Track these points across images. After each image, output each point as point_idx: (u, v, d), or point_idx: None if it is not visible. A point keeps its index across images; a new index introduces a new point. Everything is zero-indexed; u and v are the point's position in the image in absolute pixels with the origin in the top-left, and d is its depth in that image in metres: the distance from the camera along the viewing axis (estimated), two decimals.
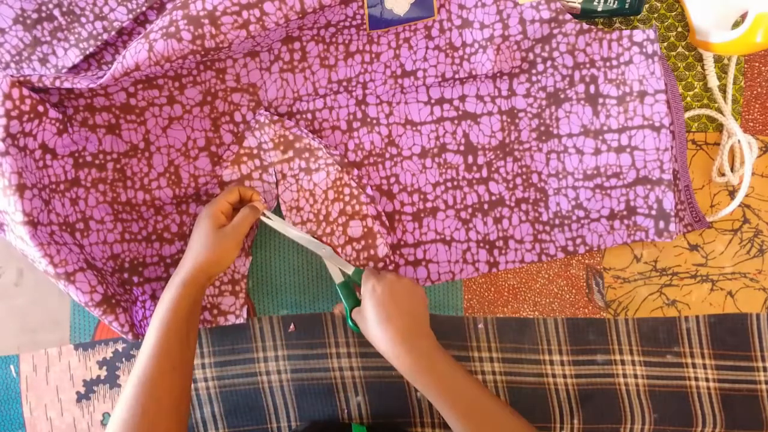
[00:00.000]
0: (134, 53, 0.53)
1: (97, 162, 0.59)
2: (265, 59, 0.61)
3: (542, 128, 0.63)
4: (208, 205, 0.57)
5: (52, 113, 0.53)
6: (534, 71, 0.62)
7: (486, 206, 0.63)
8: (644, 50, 0.60)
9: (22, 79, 0.51)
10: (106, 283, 0.56)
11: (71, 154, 0.57)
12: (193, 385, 0.64)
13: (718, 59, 0.63)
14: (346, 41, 0.62)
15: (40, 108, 0.52)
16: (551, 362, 0.64)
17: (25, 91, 0.51)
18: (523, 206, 0.63)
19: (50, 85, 0.52)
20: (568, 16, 0.58)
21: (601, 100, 0.62)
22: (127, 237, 0.60)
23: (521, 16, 0.58)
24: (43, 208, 0.53)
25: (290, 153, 0.60)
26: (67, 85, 0.52)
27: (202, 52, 0.54)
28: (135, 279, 0.60)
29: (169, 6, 0.58)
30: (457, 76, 0.60)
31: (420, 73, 0.60)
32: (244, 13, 0.53)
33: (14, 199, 0.51)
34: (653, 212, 0.61)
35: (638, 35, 0.60)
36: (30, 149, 0.52)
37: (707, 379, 0.64)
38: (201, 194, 0.63)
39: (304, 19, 0.57)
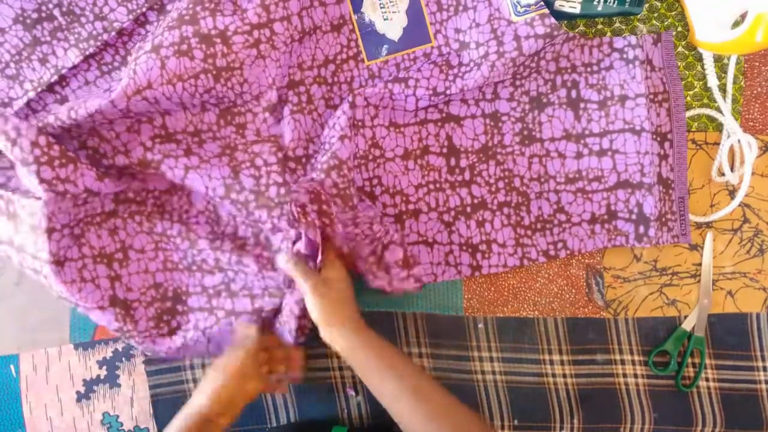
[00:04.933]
0: (146, 69, 0.53)
1: (138, 198, 0.60)
2: (281, 110, 0.60)
3: (525, 132, 0.63)
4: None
5: (84, 159, 0.54)
6: (518, 75, 0.62)
7: (468, 209, 0.63)
8: (625, 56, 0.61)
9: (41, 125, 0.52)
10: (126, 319, 0.57)
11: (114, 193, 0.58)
12: (191, 386, 0.64)
13: (717, 59, 0.63)
14: (348, 79, 0.62)
15: (70, 153, 0.53)
16: (551, 362, 0.64)
17: (52, 138, 0.52)
18: (505, 210, 0.63)
19: (66, 119, 0.52)
20: (562, 30, 0.58)
21: (582, 105, 0.62)
22: (169, 266, 0.61)
23: (516, 33, 0.58)
24: (72, 244, 0.54)
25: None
26: (81, 112, 0.52)
27: (214, 72, 0.55)
28: (179, 308, 0.60)
29: (169, 7, 0.58)
30: (448, 92, 0.60)
31: (411, 82, 0.59)
32: (255, 33, 0.55)
33: (42, 240, 0.52)
34: (633, 216, 0.62)
35: (618, 42, 0.61)
36: (72, 193, 0.53)
37: (707, 379, 0.64)
38: (237, 233, 0.62)
39: (302, 45, 0.58)
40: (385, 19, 0.61)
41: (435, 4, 0.61)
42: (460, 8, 0.61)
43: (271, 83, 0.57)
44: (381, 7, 0.61)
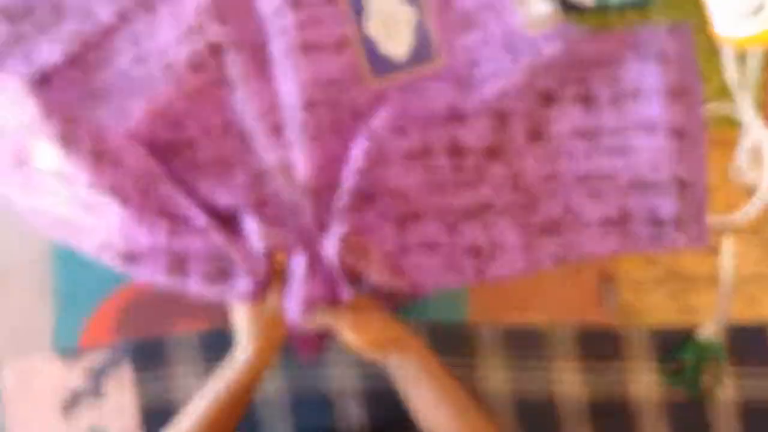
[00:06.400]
0: (164, 90, 0.56)
1: None
2: (292, 129, 0.59)
3: (533, 130, 0.62)
4: None
5: None
6: None
7: (473, 211, 0.62)
8: (638, 49, 0.60)
9: None
10: (177, 272, 0.55)
11: None
12: (181, 395, 0.64)
13: (736, 52, 0.61)
14: (353, 100, 0.61)
15: None
16: (560, 371, 0.63)
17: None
18: (512, 211, 0.62)
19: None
20: (575, 30, 0.58)
21: (593, 101, 0.61)
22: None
23: (530, 45, 0.59)
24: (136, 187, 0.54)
25: None
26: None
27: (230, 79, 0.58)
28: (235, 271, 0.58)
29: (158, 7, 0.59)
30: (464, 104, 0.60)
31: (427, 97, 0.60)
32: (249, 50, 0.59)
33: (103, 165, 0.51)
34: (647, 218, 0.60)
35: (632, 35, 0.61)
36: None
37: (726, 391, 0.62)
38: None
39: (307, 60, 0.59)
40: (390, 38, 0.61)
41: (441, 22, 0.61)
42: (468, 26, 0.61)
43: (273, 101, 0.58)
44: (386, 26, 0.61)
